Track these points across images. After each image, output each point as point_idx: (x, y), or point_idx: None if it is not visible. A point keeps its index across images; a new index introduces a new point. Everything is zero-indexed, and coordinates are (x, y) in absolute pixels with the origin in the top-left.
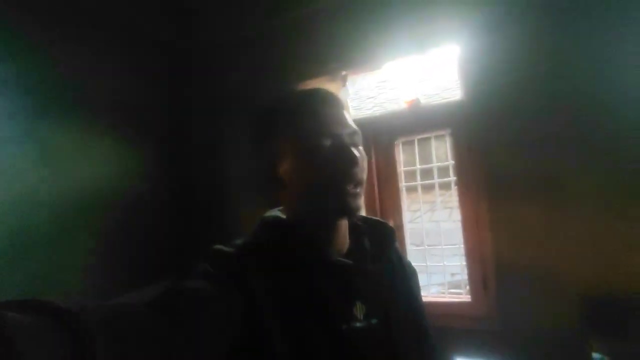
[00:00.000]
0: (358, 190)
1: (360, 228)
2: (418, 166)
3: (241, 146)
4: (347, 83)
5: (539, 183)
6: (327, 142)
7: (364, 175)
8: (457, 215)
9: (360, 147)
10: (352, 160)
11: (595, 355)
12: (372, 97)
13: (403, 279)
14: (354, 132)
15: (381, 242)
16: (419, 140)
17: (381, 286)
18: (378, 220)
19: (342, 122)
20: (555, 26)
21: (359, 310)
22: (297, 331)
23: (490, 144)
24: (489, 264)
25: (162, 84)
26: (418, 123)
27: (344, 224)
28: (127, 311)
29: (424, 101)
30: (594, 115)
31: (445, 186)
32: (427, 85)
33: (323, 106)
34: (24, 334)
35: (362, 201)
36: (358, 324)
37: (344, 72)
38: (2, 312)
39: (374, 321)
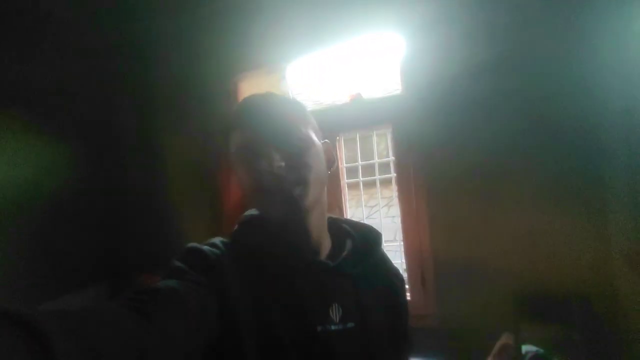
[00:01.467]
0: (288, 195)
1: (344, 231)
2: (360, 162)
3: (176, 141)
4: (286, 75)
5: (477, 180)
6: (249, 157)
7: (300, 174)
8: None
9: (301, 143)
10: (261, 178)
11: (528, 347)
12: (313, 91)
13: (386, 284)
14: (280, 141)
15: (365, 245)
16: (360, 135)
17: (360, 290)
18: (364, 224)
19: (266, 134)
20: (500, 20)
21: (335, 312)
22: (271, 331)
23: (430, 140)
24: (427, 261)
25: (89, 74)
26: (360, 118)
27: (315, 225)
28: (93, 313)
29: (366, 95)
30: (535, 113)
31: (386, 183)
32: (370, 78)
33: (248, 118)
34: None
35: (299, 201)
36: (333, 327)
37: (282, 64)
38: None
39: (350, 325)
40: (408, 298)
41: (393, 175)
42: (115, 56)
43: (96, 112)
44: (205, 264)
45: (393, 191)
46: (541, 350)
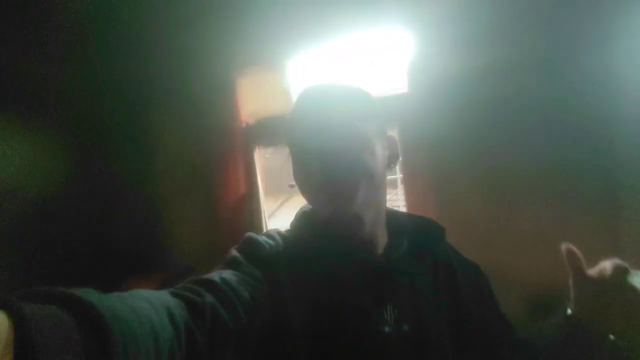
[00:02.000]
0: (344, 196)
1: (402, 226)
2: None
3: (171, 138)
4: (287, 71)
5: (486, 181)
6: (301, 153)
7: (350, 173)
8: None
9: (355, 141)
10: (310, 175)
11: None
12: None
13: (454, 284)
14: (336, 136)
15: (425, 241)
16: None
17: (418, 290)
18: (424, 219)
19: (318, 131)
20: (510, 19)
21: (389, 314)
22: (321, 330)
23: (437, 140)
24: None
25: (77, 67)
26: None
27: (370, 222)
28: (146, 301)
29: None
30: (546, 112)
31: (391, 184)
32: (375, 76)
33: (302, 113)
34: (40, 327)
35: (347, 201)
36: (387, 329)
37: (284, 60)
38: (20, 304)
39: (405, 327)
40: None
41: (399, 176)
42: (110, 50)
43: (90, 108)
44: (261, 256)
45: (398, 194)
46: None
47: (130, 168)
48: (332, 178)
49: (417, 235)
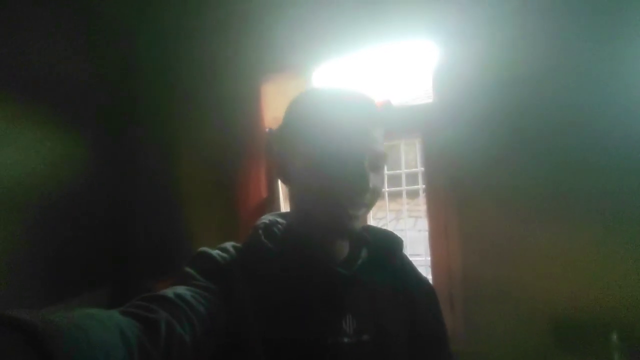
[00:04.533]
0: (360, 213)
1: (361, 237)
2: (385, 172)
3: (193, 141)
4: (312, 79)
5: (512, 194)
6: (339, 159)
7: (372, 198)
8: (422, 224)
9: (379, 169)
10: (362, 188)
11: None
12: None
13: (408, 295)
14: (376, 154)
15: (384, 253)
16: (387, 143)
17: (378, 300)
18: (383, 230)
19: (363, 136)
20: (540, 30)
21: (348, 324)
22: (279, 342)
23: (462, 152)
24: (456, 279)
25: (108, 67)
26: (389, 127)
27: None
28: (96, 321)
29: (395, 103)
30: (571, 125)
31: (412, 194)
32: (400, 85)
33: (347, 115)
34: None
35: (359, 223)
36: (346, 339)
37: (309, 67)
38: None
39: (365, 337)
40: None
41: (421, 186)
42: (136, 55)
43: (116, 111)
44: (214, 269)
45: (419, 204)
46: None
47: (153, 170)
48: (368, 186)
49: (375, 247)
